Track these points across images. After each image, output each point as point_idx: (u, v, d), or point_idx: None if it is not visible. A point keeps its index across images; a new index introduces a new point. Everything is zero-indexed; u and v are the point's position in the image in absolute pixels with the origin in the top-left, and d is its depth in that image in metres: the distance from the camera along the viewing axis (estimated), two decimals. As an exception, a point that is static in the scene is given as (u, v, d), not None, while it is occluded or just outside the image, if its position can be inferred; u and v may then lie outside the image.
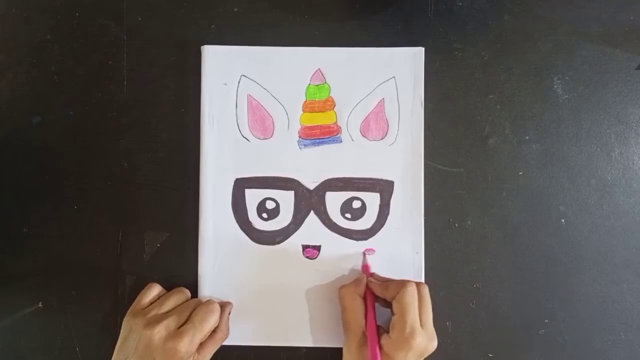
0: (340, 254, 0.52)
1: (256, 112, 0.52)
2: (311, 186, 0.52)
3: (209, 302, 0.49)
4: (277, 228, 0.52)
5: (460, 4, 0.53)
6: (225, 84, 0.52)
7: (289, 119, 0.52)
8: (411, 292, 0.46)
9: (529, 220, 0.52)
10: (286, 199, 0.52)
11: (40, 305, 0.53)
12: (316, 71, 0.52)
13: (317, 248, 0.52)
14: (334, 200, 0.52)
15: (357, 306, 0.48)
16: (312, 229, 0.52)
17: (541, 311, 0.52)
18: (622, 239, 0.52)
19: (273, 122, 0.52)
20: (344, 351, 0.48)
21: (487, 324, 0.52)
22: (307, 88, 0.52)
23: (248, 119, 0.52)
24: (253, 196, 0.52)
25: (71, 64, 0.53)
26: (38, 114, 0.53)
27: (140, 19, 0.53)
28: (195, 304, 0.49)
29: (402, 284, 0.47)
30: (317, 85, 0.52)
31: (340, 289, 0.49)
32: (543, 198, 0.52)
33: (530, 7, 0.52)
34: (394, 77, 0.52)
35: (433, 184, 0.52)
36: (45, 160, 0.53)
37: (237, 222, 0.52)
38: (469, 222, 0.52)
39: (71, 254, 0.53)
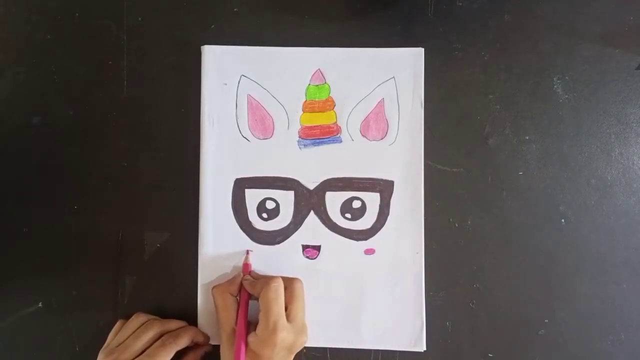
0: (340, 254, 0.52)
1: (256, 112, 0.52)
2: (311, 186, 0.52)
3: (165, 339, 0.48)
4: (277, 228, 0.52)
5: (460, 4, 0.53)
6: (225, 84, 0.52)
7: (289, 119, 0.52)
8: (274, 289, 0.46)
9: (529, 220, 0.52)
10: (286, 199, 0.52)
11: (40, 305, 0.53)
12: (316, 71, 0.52)
13: (317, 248, 0.52)
14: (334, 200, 0.52)
15: (228, 304, 0.48)
16: (312, 229, 0.52)
17: (541, 311, 0.52)
18: (622, 239, 0.52)
19: (273, 122, 0.52)
20: (220, 349, 0.48)
21: (487, 324, 0.52)
22: (307, 88, 0.52)
23: (248, 119, 0.52)
24: (253, 196, 0.52)
25: (71, 64, 0.53)
26: (38, 114, 0.53)
27: (140, 19, 0.53)
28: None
29: (267, 280, 0.47)
30: (317, 85, 0.52)
31: (212, 288, 0.50)
32: (543, 198, 0.52)
33: (530, 7, 0.52)
34: (393, 77, 0.52)
35: (433, 184, 0.52)
36: (45, 160, 0.53)
37: (237, 222, 0.52)
38: (469, 222, 0.52)
39: (71, 254, 0.53)
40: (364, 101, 0.52)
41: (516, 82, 0.52)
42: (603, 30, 0.52)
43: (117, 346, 0.47)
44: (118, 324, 0.50)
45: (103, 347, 0.48)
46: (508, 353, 0.52)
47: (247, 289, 0.49)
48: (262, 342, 0.45)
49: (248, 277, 0.50)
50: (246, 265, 0.51)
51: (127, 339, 0.48)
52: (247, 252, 0.52)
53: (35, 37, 0.53)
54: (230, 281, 0.50)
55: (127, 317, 0.51)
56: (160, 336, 0.48)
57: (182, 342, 0.48)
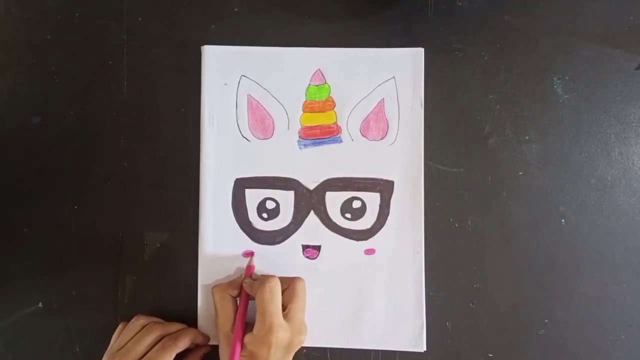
0: (340, 254, 0.52)
1: (256, 112, 0.52)
2: (311, 186, 0.52)
3: (166, 341, 0.48)
4: (277, 228, 0.52)
5: (460, 4, 0.53)
6: (225, 84, 0.52)
7: (289, 119, 0.52)
8: (269, 289, 0.46)
9: (529, 220, 0.52)
10: (286, 199, 0.52)
11: (40, 305, 0.53)
12: (316, 71, 0.52)
13: (317, 248, 0.52)
14: (334, 200, 0.52)
15: (226, 305, 0.48)
16: (312, 229, 0.52)
17: (541, 311, 0.52)
18: (622, 239, 0.52)
19: (273, 122, 0.52)
20: (219, 349, 0.48)
21: (487, 324, 0.52)
22: (307, 88, 0.52)
23: (248, 119, 0.52)
24: (253, 196, 0.52)
25: (71, 64, 0.53)
26: (38, 114, 0.53)
27: (140, 19, 0.53)
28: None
29: (262, 280, 0.47)
30: (317, 85, 0.52)
31: (212, 288, 0.50)
32: (543, 198, 0.52)
33: (530, 7, 0.52)
34: (393, 77, 0.52)
35: (433, 184, 0.52)
36: (45, 160, 0.53)
37: (237, 222, 0.52)
38: (469, 222, 0.52)
39: (71, 254, 0.53)
40: (364, 101, 0.52)
41: (516, 82, 0.52)
42: (603, 30, 0.52)
43: (118, 350, 0.47)
44: (120, 326, 0.50)
45: (107, 351, 0.48)
46: (508, 353, 0.52)
47: (247, 291, 0.49)
48: (258, 342, 0.45)
49: (248, 279, 0.50)
50: (249, 268, 0.51)
51: (127, 342, 0.48)
52: (252, 254, 0.51)
53: (35, 37, 0.53)
54: (231, 282, 0.50)
55: (128, 318, 0.51)
56: (160, 339, 0.48)
57: (182, 345, 0.48)
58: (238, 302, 0.49)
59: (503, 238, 0.52)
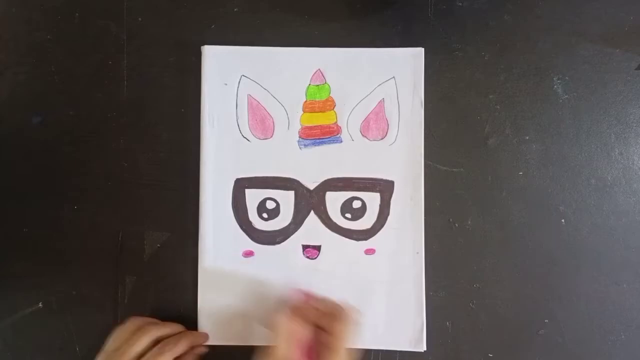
0: (340, 254, 0.52)
1: (256, 112, 0.52)
2: (311, 186, 0.52)
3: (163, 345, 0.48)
4: (277, 228, 0.52)
5: (460, 4, 0.53)
6: (226, 84, 0.52)
7: (289, 119, 0.52)
8: (345, 325, 0.45)
9: (529, 220, 0.52)
10: (286, 199, 0.52)
11: (40, 305, 0.53)
12: (316, 71, 0.52)
13: (317, 248, 0.52)
14: (334, 200, 0.52)
15: (292, 336, 0.46)
16: (312, 229, 0.52)
17: (541, 311, 0.52)
18: (622, 239, 0.52)
19: (273, 122, 0.52)
20: None
21: (487, 324, 0.52)
22: (307, 88, 0.52)
23: (248, 119, 0.52)
24: (253, 196, 0.52)
25: (71, 64, 0.53)
26: (38, 113, 0.53)
27: (140, 19, 0.53)
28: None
29: (335, 316, 0.45)
30: (317, 85, 0.52)
31: (278, 315, 0.46)
32: (543, 198, 0.52)
33: (530, 7, 0.52)
34: (393, 77, 0.52)
35: (433, 184, 0.52)
36: (45, 160, 0.53)
37: (237, 222, 0.52)
38: (469, 222, 0.52)
39: (71, 254, 0.53)
40: (364, 101, 0.52)
41: (516, 82, 0.52)
42: (603, 30, 0.52)
43: (113, 351, 0.47)
44: (117, 329, 0.50)
45: (100, 352, 0.48)
46: (508, 353, 0.52)
47: (313, 319, 0.46)
48: None
49: (308, 306, 0.47)
50: (302, 291, 0.49)
51: (122, 344, 0.47)
52: (299, 290, 0.50)
53: (35, 37, 0.53)
54: (295, 309, 0.47)
55: (122, 317, 0.50)
56: (156, 341, 0.48)
57: (180, 349, 0.48)
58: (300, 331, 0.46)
59: (503, 238, 0.52)
